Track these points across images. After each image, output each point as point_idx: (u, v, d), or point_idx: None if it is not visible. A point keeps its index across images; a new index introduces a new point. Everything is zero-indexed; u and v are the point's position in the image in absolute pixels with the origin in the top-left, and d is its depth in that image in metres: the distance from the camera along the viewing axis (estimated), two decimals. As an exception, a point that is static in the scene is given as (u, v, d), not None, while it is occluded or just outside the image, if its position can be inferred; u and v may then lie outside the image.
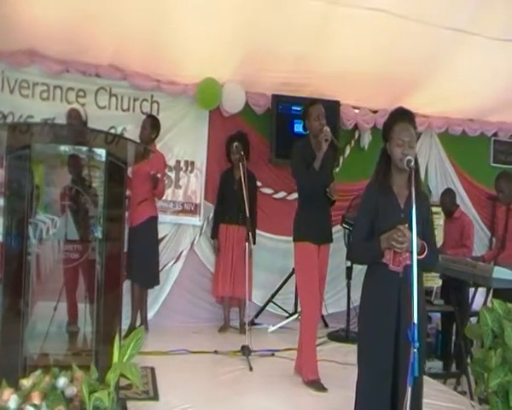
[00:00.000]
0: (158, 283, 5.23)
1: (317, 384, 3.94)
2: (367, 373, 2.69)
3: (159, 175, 5.03)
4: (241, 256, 5.20)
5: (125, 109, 5.40)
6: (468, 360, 4.35)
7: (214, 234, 5.55)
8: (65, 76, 5.18)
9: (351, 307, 5.51)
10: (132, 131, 5.17)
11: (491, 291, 4.46)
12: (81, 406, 2.54)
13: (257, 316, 5.66)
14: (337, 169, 6.09)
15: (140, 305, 5.12)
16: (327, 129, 3.99)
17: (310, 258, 4.06)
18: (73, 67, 5.16)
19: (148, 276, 5.10)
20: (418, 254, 2.49)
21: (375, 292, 2.71)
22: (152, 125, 5.08)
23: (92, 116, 4.95)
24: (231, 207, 5.36)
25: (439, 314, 5.52)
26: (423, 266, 2.66)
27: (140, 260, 4.90)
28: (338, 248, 5.79)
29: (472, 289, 4.80)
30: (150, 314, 5.38)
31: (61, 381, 2.63)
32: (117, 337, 2.66)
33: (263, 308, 5.69)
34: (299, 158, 4.11)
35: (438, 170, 6.51)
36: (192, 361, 4.44)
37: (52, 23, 4.41)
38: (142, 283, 5.10)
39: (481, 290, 4.70)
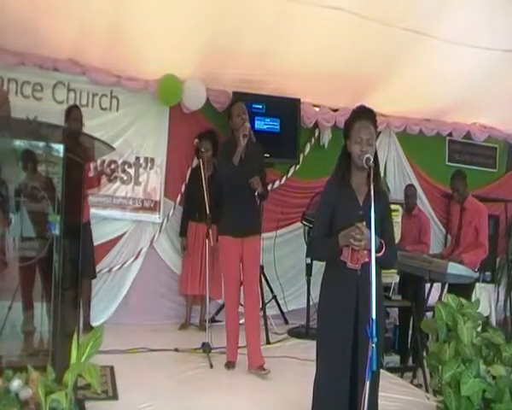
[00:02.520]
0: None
1: (230, 365, 4.27)
2: (325, 369, 2.72)
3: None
4: (211, 254, 5.18)
5: (84, 105, 5.25)
6: (424, 354, 4.47)
7: (183, 232, 5.51)
8: (20, 69, 5.02)
9: (310, 303, 5.56)
10: (91, 127, 5.05)
11: (446, 286, 4.59)
12: (37, 408, 2.49)
13: (217, 313, 5.64)
14: (297, 167, 6.15)
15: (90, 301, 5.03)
16: (247, 124, 4.16)
17: (228, 252, 4.22)
18: (30, 60, 5.01)
19: (91, 269, 4.95)
20: (376, 251, 2.51)
21: (333, 290, 2.73)
22: (81, 117, 4.75)
23: (49, 111, 4.84)
24: (201, 205, 5.30)
25: (396, 309, 5.63)
26: (382, 264, 2.69)
27: (87, 256, 4.78)
28: (298, 246, 5.87)
29: (428, 285, 4.93)
30: (109, 312, 5.32)
31: (15, 383, 2.56)
32: (75, 337, 2.61)
33: (223, 305, 5.66)
34: (223, 153, 4.30)
35: (396, 168, 6.64)
36: (152, 359, 4.41)
37: (7, 12, 4.27)
38: (89, 276, 4.95)
39: (437, 285, 4.83)
